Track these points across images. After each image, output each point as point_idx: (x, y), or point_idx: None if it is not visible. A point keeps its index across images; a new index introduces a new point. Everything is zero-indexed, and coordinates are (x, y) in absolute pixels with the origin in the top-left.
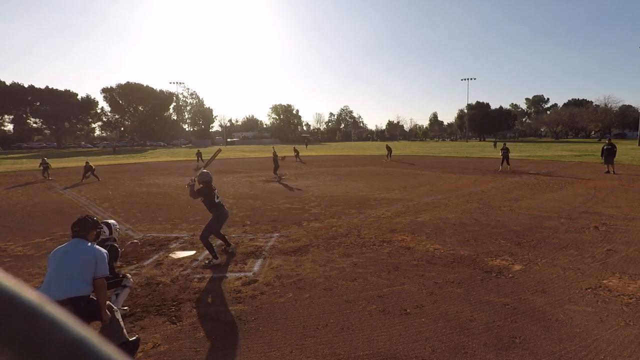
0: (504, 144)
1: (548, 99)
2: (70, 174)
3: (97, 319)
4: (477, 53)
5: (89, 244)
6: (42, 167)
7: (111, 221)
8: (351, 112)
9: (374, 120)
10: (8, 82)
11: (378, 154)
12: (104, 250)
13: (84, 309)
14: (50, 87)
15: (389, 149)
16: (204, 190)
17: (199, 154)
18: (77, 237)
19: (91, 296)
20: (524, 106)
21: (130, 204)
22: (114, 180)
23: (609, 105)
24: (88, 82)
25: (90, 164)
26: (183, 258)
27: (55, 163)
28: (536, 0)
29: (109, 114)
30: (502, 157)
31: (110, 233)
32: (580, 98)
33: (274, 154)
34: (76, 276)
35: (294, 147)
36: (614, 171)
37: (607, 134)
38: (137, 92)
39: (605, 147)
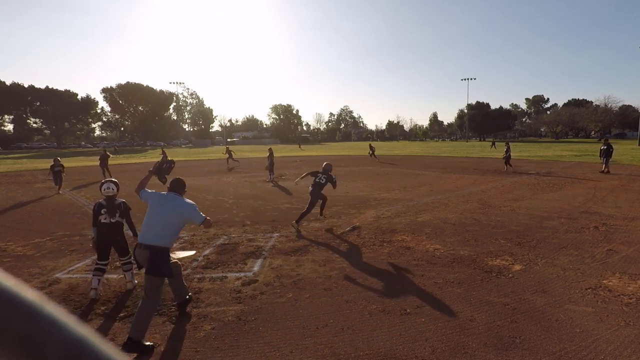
0: (506, 143)
1: (548, 99)
2: (70, 174)
3: (163, 274)
4: (477, 53)
5: (182, 199)
6: (53, 170)
7: (115, 180)
8: (351, 112)
9: (374, 120)
10: (8, 82)
11: (378, 154)
12: (191, 203)
13: (157, 256)
14: (50, 87)
15: (371, 147)
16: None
17: (164, 154)
18: (173, 192)
19: (170, 250)
20: (524, 106)
21: (130, 204)
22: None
23: (609, 105)
24: (88, 82)
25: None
26: (183, 258)
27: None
28: (536, 0)
29: (109, 114)
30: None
31: (118, 189)
32: (580, 98)
33: (271, 153)
34: (161, 230)
35: (227, 147)
36: (608, 170)
37: (606, 134)
38: (137, 92)
39: (602, 148)
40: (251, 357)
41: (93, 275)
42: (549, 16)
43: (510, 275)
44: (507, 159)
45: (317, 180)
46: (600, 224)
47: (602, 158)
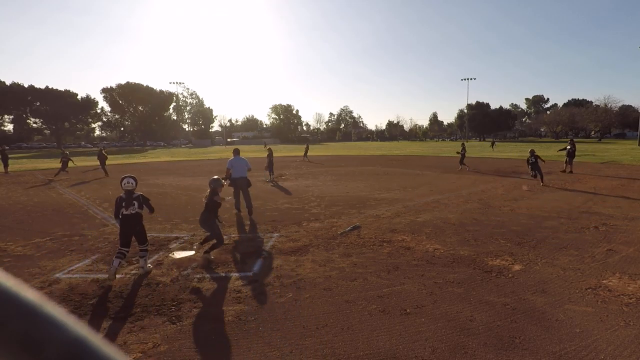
0: (462, 143)
1: (548, 99)
2: (70, 173)
3: (250, 185)
4: (477, 53)
5: (243, 157)
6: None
7: (133, 175)
8: (351, 112)
9: (374, 120)
10: (8, 82)
11: (378, 154)
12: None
13: (247, 179)
14: (50, 87)
15: (306, 148)
16: None
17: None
18: (238, 156)
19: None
20: (524, 106)
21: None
22: (114, 181)
23: (609, 105)
24: (88, 82)
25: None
26: (182, 258)
27: (55, 163)
28: (536, 0)
29: (109, 114)
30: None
31: (136, 184)
32: (580, 98)
33: (270, 153)
34: (245, 170)
35: (62, 151)
36: (571, 170)
37: (569, 134)
38: (137, 92)
39: (568, 148)
40: (251, 357)
41: (115, 257)
42: (549, 16)
43: (510, 275)
44: (462, 158)
45: (530, 162)
46: (600, 224)
47: (566, 158)
